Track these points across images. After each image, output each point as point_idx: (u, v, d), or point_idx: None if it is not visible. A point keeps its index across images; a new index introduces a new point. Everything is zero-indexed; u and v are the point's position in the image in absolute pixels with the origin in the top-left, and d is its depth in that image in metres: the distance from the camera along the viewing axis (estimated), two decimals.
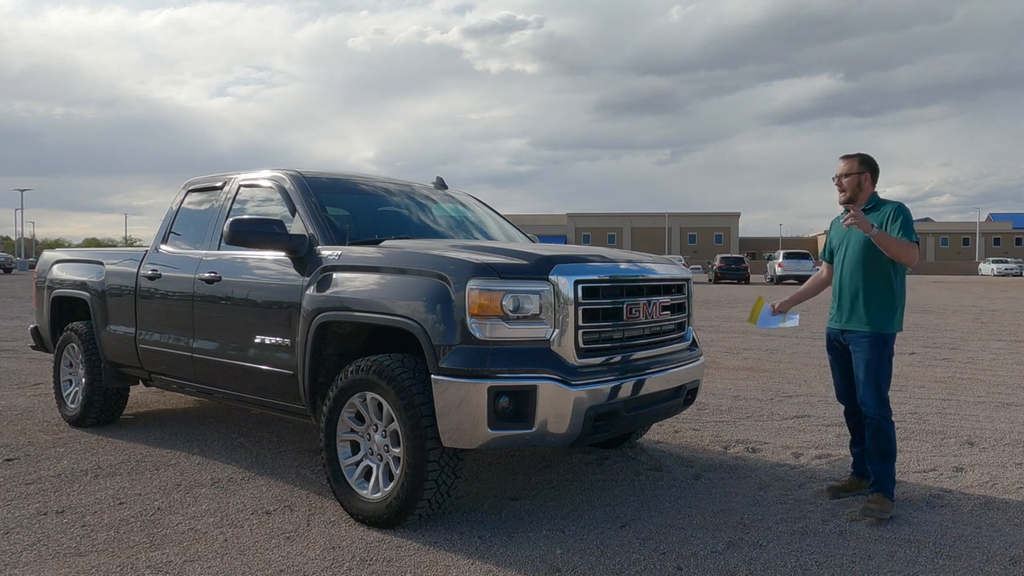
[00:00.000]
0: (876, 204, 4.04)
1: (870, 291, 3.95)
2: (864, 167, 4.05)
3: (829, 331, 4.19)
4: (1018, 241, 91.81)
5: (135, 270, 5.38)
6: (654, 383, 3.87)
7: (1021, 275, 57.81)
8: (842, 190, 4.07)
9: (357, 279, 3.85)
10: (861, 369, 3.94)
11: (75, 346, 5.81)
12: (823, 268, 4.53)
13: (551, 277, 3.49)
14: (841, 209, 4.15)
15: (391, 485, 3.61)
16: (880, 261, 3.93)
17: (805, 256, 38.58)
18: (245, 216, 4.38)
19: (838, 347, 4.15)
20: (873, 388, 3.91)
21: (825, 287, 4.54)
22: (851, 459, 4.34)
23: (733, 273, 39.55)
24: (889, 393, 3.97)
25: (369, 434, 3.76)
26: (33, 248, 79.68)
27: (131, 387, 6.01)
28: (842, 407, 4.29)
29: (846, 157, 4.11)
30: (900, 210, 3.97)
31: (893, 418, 3.99)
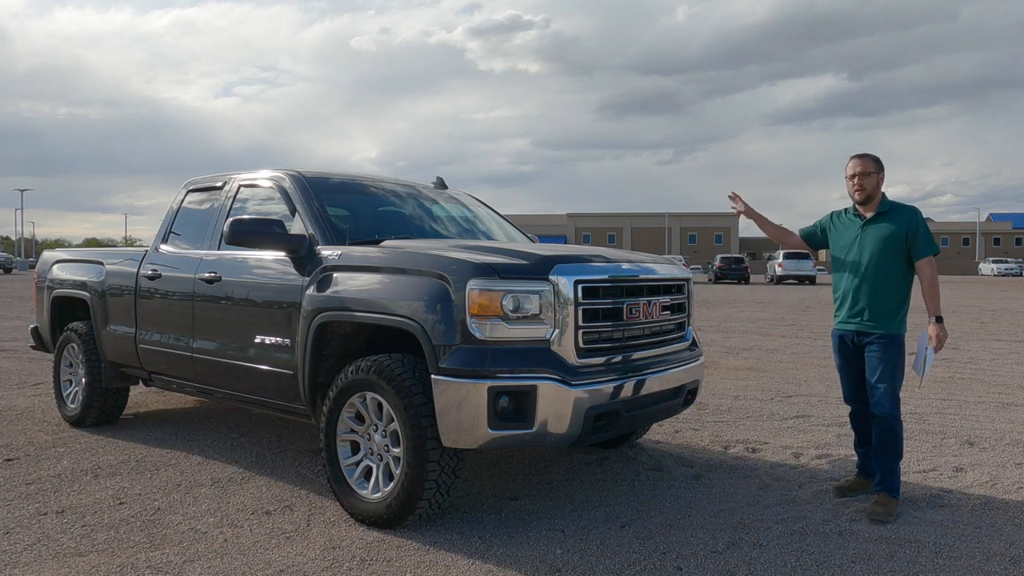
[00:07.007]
0: (890, 208, 4.02)
1: (889, 294, 3.95)
2: (879, 167, 4.03)
3: (842, 333, 4.13)
4: (1018, 241, 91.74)
5: (135, 270, 5.38)
6: (654, 383, 3.86)
7: (1021, 275, 57.81)
8: (861, 189, 4.01)
9: (357, 279, 3.84)
10: (880, 370, 3.91)
11: (75, 346, 5.81)
12: (795, 237, 4.50)
13: (551, 277, 3.48)
14: (844, 205, 4.16)
15: (391, 485, 3.61)
16: (899, 265, 3.94)
17: (805, 256, 38.52)
18: (245, 216, 4.37)
19: (851, 349, 4.10)
20: (891, 389, 3.91)
21: (784, 240, 4.59)
22: (855, 459, 4.34)
23: (733, 273, 39.62)
24: None
25: (369, 434, 3.76)
26: (33, 248, 79.70)
27: (131, 387, 6.01)
28: (848, 408, 4.26)
29: (860, 157, 4.05)
30: (920, 220, 3.95)
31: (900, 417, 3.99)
